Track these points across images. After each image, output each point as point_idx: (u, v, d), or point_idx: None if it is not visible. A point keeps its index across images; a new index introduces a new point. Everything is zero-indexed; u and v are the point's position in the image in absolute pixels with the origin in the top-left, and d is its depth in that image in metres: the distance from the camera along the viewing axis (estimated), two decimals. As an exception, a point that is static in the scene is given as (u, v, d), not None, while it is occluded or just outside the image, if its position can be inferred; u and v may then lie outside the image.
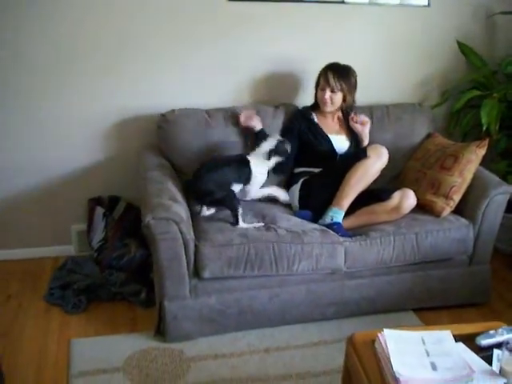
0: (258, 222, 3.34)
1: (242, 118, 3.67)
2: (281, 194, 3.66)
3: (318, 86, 3.74)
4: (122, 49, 3.75)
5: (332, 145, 3.72)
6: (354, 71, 3.71)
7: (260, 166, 3.52)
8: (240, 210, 3.29)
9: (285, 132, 3.76)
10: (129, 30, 3.73)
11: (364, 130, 3.73)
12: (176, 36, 3.80)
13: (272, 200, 3.68)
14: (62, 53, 3.68)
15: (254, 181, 3.52)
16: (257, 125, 3.65)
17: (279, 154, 3.53)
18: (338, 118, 3.85)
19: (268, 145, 3.52)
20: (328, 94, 3.65)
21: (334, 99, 3.67)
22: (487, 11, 4.26)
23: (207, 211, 3.41)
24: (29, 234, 4.04)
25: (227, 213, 3.35)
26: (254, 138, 3.64)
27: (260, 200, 3.67)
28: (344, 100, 3.70)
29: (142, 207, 3.11)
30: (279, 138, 3.57)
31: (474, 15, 4.25)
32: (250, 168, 3.47)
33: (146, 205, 3.03)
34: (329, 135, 3.74)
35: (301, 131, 3.73)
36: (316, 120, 3.77)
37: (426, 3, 4.14)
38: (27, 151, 3.84)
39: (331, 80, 3.63)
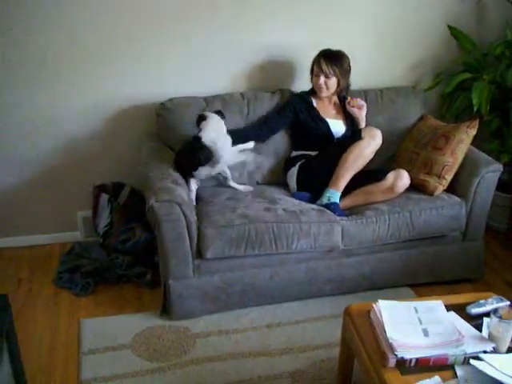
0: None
1: None
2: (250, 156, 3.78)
3: (313, 73, 3.82)
4: (122, 38, 3.81)
5: (329, 128, 3.81)
6: (346, 56, 3.79)
7: (211, 131, 3.50)
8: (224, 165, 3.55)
9: (279, 109, 3.86)
10: (127, 20, 3.79)
11: (361, 113, 3.83)
12: (174, 25, 3.86)
13: (271, 183, 3.80)
14: (62, 41, 3.74)
15: (219, 147, 3.50)
16: None
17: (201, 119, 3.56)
18: (335, 103, 3.94)
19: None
20: (322, 79, 3.75)
21: (328, 84, 3.76)
22: (477, -5, 4.35)
23: (195, 184, 3.52)
24: (36, 221, 4.14)
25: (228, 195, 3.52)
26: None
27: (258, 183, 3.83)
28: (338, 84, 3.79)
29: (145, 191, 3.22)
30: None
31: (464, -1, 4.35)
32: (201, 141, 3.45)
33: (150, 189, 3.15)
34: (326, 119, 3.84)
35: (299, 112, 3.81)
36: (314, 104, 3.87)
37: (417, -12, 4.22)
38: (31, 140, 3.93)
39: (324, 66, 3.72)
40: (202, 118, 3.55)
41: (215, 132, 3.50)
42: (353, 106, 3.82)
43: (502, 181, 3.70)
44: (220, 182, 3.74)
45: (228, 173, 3.65)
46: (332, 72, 3.73)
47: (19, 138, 3.91)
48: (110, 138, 4.04)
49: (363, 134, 3.55)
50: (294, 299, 3.49)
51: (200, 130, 3.49)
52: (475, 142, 3.70)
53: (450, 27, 4.28)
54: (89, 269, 3.68)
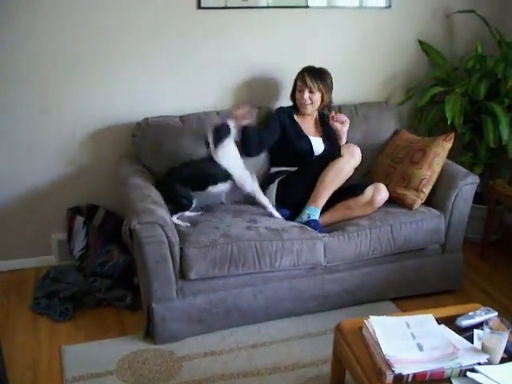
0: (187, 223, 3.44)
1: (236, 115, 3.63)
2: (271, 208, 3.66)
3: (296, 89, 3.84)
4: (95, 58, 3.79)
5: (311, 145, 3.82)
6: (328, 73, 3.83)
7: (226, 157, 3.53)
8: (183, 213, 3.47)
9: (269, 121, 3.86)
10: (102, 40, 3.77)
11: (343, 128, 3.84)
12: (149, 45, 3.86)
13: (250, 202, 3.76)
14: (34, 62, 3.71)
15: (234, 173, 3.55)
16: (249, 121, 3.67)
17: (223, 135, 3.52)
18: (315, 120, 3.96)
19: (210, 137, 3.54)
20: (307, 94, 3.76)
21: (313, 99, 3.78)
22: (446, 11, 4.41)
23: (176, 219, 3.44)
24: (9, 245, 4.05)
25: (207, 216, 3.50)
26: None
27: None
28: (322, 100, 3.81)
29: (126, 213, 3.18)
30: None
31: (433, 15, 4.40)
32: (219, 166, 3.51)
33: (131, 210, 3.10)
34: (309, 136, 3.85)
35: (284, 126, 3.82)
36: (297, 120, 3.88)
37: (387, 5, 4.27)
38: (2, 163, 3.86)
39: (308, 81, 3.74)
40: (218, 138, 3.52)
41: (232, 158, 3.55)
42: (336, 121, 3.82)
43: (476, 193, 3.74)
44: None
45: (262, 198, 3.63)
46: (316, 86, 3.75)
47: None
48: (84, 160, 4.00)
49: (342, 151, 3.56)
50: (278, 317, 3.46)
51: (216, 153, 3.51)
52: (448, 154, 3.74)
53: (420, 42, 4.35)
54: (67, 293, 3.61)
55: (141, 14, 3.80)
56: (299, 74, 3.82)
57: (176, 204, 3.42)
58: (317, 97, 3.79)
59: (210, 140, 3.53)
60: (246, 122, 3.61)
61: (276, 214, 3.56)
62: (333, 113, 3.85)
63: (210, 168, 3.51)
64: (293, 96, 3.91)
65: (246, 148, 3.72)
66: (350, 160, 3.55)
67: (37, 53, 3.69)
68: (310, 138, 3.85)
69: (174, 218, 3.36)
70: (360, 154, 3.60)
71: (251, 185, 3.59)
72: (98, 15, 3.73)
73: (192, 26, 3.90)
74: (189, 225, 3.38)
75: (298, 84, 3.83)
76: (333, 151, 3.70)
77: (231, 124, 3.53)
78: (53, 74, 3.76)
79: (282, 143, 3.83)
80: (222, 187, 3.57)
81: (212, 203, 3.73)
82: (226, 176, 3.53)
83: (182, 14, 3.86)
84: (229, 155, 3.54)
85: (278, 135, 3.82)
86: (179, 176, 3.47)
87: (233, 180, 3.56)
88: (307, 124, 3.91)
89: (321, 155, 3.81)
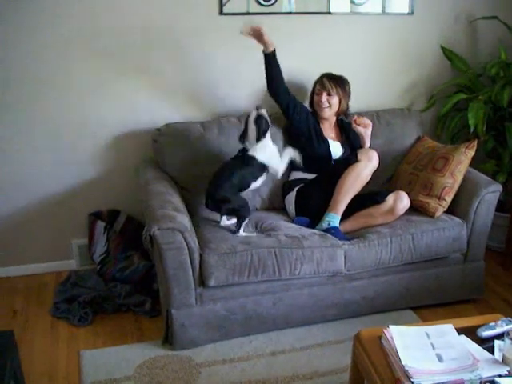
0: (253, 232, 3.45)
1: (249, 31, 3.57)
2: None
3: (314, 93, 3.84)
4: (118, 64, 3.82)
5: (329, 149, 3.80)
6: (347, 81, 3.83)
7: (262, 150, 3.52)
8: (246, 221, 3.41)
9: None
10: (122, 46, 3.79)
11: (366, 132, 3.81)
12: (170, 51, 3.87)
13: (270, 209, 3.80)
14: (58, 66, 3.74)
15: (272, 164, 3.56)
16: (267, 41, 3.57)
17: (265, 128, 3.49)
18: (333, 125, 3.94)
19: (252, 131, 3.49)
20: (325, 97, 3.76)
21: (331, 102, 3.78)
22: (469, 16, 4.37)
23: (227, 221, 3.50)
24: (30, 250, 4.08)
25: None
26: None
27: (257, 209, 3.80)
28: (339, 105, 3.81)
29: (146, 219, 3.17)
30: (254, 114, 3.51)
31: (456, 21, 4.37)
32: (256, 160, 3.49)
33: (151, 216, 3.10)
34: (328, 139, 3.84)
35: (307, 121, 3.80)
36: (320, 125, 3.87)
37: (410, 11, 4.25)
38: (25, 167, 3.89)
39: (327, 84, 3.75)
40: (261, 132, 3.49)
41: (269, 150, 3.54)
42: (359, 124, 3.80)
43: (498, 201, 3.69)
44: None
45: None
46: (334, 91, 3.75)
47: (14, 165, 3.87)
48: (105, 165, 4.02)
49: (360, 156, 3.55)
50: (297, 325, 3.45)
51: (254, 148, 3.50)
52: (471, 162, 3.70)
53: (443, 48, 4.31)
54: (86, 298, 3.62)
55: (163, 20, 3.82)
56: (318, 78, 3.83)
57: (239, 216, 3.41)
58: (335, 100, 3.78)
59: (252, 136, 3.50)
60: (270, 47, 3.58)
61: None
62: (355, 116, 3.82)
63: (249, 165, 3.49)
64: (311, 102, 3.91)
65: (270, 75, 3.67)
66: (368, 164, 3.53)
67: (63, 54, 3.72)
68: (329, 141, 3.84)
69: (242, 233, 3.38)
70: (377, 158, 3.58)
71: (282, 169, 3.63)
72: (124, 23, 3.76)
73: (214, 32, 3.91)
74: (255, 234, 3.40)
75: (316, 88, 3.83)
76: (350, 156, 3.69)
77: (265, 113, 3.50)
78: (84, 79, 3.81)
79: (303, 143, 3.79)
80: (260, 181, 3.57)
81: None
82: (262, 168, 3.53)
83: (204, 20, 3.87)
84: (266, 148, 3.53)
85: (295, 107, 3.77)
86: (230, 184, 3.44)
87: (267, 171, 3.57)
88: (326, 128, 3.89)
89: (338, 161, 3.80)
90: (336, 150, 3.84)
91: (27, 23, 3.60)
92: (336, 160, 3.83)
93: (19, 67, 3.68)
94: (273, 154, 3.56)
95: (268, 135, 3.52)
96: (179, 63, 3.92)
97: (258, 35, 3.53)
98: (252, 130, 3.48)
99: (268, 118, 3.50)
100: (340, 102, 3.81)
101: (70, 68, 3.76)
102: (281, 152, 3.66)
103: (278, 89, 3.71)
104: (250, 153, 3.49)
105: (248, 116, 3.52)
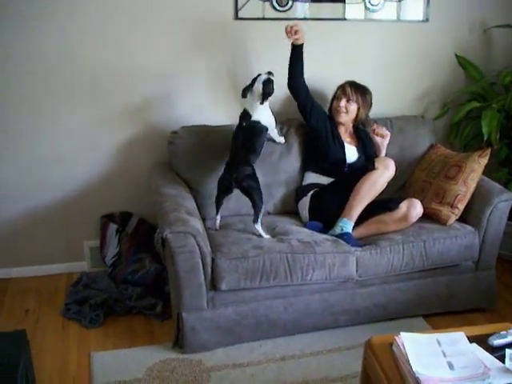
0: (267, 234, 3.44)
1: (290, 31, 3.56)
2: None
3: (334, 97, 3.86)
4: (134, 67, 3.85)
5: (344, 152, 3.81)
6: (370, 91, 3.86)
7: (265, 114, 3.61)
8: (262, 211, 3.42)
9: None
10: (138, 49, 3.83)
11: (383, 142, 3.83)
12: (186, 56, 3.91)
13: (282, 213, 3.82)
14: (72, 65, 3.77)
15: (272, 128, 3.69)
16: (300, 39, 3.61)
17: (270, 91, 3.56)
18: (350, 132, 3.94)
19: (257, 90, 3.56)
20: (343, 102, 3.78)
21: (348, 108, 3.79)
22: (483, 25, 4.38)
23: (261, 229, 3.44)
24: (42, 251, 4.10)
25: (240, 226, 3.48)
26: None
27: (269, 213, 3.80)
28: (357, 113, 3.82)
29: (158, 222, 3.18)
30: (264, 76, 3.58)
31: (470, 29, 4.38)
32: (261, 124, 3.56)
33: (164, 219, 3.11)
34: (344, 143, 3.84)
35: (325, 124, 3.82)
36: (338, 128, 3.88)
37: (424, 18, 4.26)
38: (39, 169, 3.91)
39: (348, 89, 3.78)
40: (266, 94, 3.55)
41: (268, 116, 3.64)
42: (377, 134, 3.81)
43: (510, 209, 3.68)
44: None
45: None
46: (354, 97, 3.77)
47: (27, 167, 3.90)
48: (118, 168, 4.04)
49: (377, 164, 3.55)
50: (307, 330, 3.44)
51: (257, 109, 3.56)
52: (484, 170, 3.70)
53: (457, 56, 4.32)
54: (98, 300, 3.63)
55: (179, 26, 3.84)
56: (341, 84, 3.86)
57: (256, 202, 3.42)
58: (353, 107, 3.80)
59: (256, 95, 3.56)
60: (300, 40, 3.60)
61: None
62: (374, 125, 3.83)
63: (256, 130, 3.56)
64: (330, 108, 3.92)
65: (294, 68, 3.70)
66: (385, 172, 3.53)
67: (82, 63, 3.78)
68: (345, 144, 3.84)
69: (259, 228, 3.40)
70: (394, 167, 3.58)
71: (280, 139, 3.79)
72: (142, 30, 3.81)
73: (229, 37, 3.93)
74: (270, 237, 3.41)
75: (337, 93, 3.85)
76: (367, 164, 3.70)
77: (273, 79, 3.57)
78: (102, 80, 3.85)
79: (318, 147, 3.81)
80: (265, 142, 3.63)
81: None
82: (265, 130, 3.60)
83: (219, 25, 3.89)
84: (267, 112, 3.62)
85: (313, 109, 3.79)
86: (254, 157, 3.52)
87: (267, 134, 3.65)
88: (342, 132, 3.90)
89: (355, 168, 3.80)
90: (351, 154, 3.84)
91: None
92: (351, 166, 3.83)
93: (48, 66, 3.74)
94: (272, 120, 3.66)
95: (267, 104, 3.60)
96: (194, 70, 3.95)
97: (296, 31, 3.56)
98: (257, 89, 3.55)
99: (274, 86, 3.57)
100: (358, 110, 3.81)
101: (85, 71, 3.80)
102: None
103: (298, 84, 3.73)
104: (254, 118, 3.55)
105: (258, 75, 3.59)
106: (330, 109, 3.91)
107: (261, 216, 3.41)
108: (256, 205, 3.40)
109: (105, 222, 3.98)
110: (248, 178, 3.40)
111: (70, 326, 3.54)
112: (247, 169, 3.42)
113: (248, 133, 3.54)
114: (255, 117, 3.54)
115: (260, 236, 3.39)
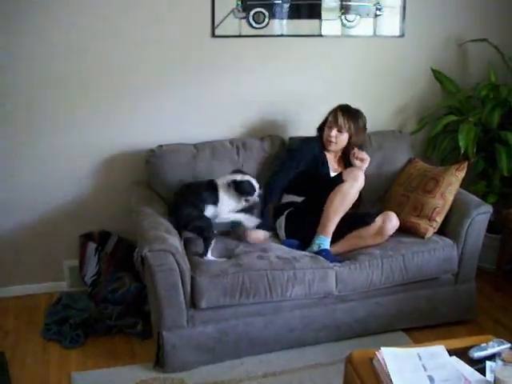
0: (223, 258, 3.40)
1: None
2: (249, 221, 3.65)
3: (325, 124, 3.81)
4: (109, 86, 3.84)
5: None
6: (363, 115, 3.82)
7: (228, 194, 3.56)
8: (212, 244, 3.38)
9: (290, 159, 3.81)
10: (116, 68, 3.82)
11: (362, 166, 3.78)
12: (163, 73, 3.91)
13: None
14: (48, 91, 3.76)
15: (222, 202, 3.56)
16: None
17: (239, 191, 3.54)
18: (339, 157, 3.93)
19: (231, 177, 3.57)
20: (334, 132, 3.74)
21: (338, 139, 3.75)
22: (458, 39, 4.43)
23: (212, 257, 3.40)
24: (21, 271, 4.05)
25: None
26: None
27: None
28: (349, 141, 3.78)
29: (138, 240, 3.18)
30: (254, 183, 3.59)
31: (446, 43, 4.42)
32: (217, 190, 3.53)
33: (143, 237, 3.10)
34: (330, 172, 3.83)
35: (311, 157, 3.79)
36: (327, 154, 3.85)
37: (400, 33, 4.30)
38: (16, 189, 3.88)
39: (340, 119, 3.71)
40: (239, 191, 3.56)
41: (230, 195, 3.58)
42: (356, 158, 3.79)
43: (489, 221, 3.71)
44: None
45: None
46: (347, 127, 3.72)
47: (4, 187, 3.87)
48: (97, 186, 4.02)
49: (344, 177, 3.57)
50: (289, 347, 3.43)
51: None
52: (461, 183, 3.73)
53: (433, 71, 4.36)
54: (78, 320, 3.60)
55: (155, 43, 3.85)
56: (333, 110, 3.79)
57: (205, 237, 3.39)
58: (343, 137, 3.76)
59: (233, 180, 3.55)
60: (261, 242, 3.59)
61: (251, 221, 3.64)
62: (355, 149, 3.81)
63: (209, 190, 3.55)
64: (321, 130, 3.87)
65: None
66: (354, 184, 3.54)
67: (54, 78, 3.75)
68: (331, 173, 3.83)
69: (210, 257, 3.36)
70: (363, 177, 3.59)
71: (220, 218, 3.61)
72: (115, 47, 3.80)
73: (206, 55, 3.94)
74: (225, 259, 3.37)
75: (328, 119, 3.80)
76: (335, 178, 3.69)
77: (255, 198, 3.60)
78: (75, 102, 3.83)
79: (304, 173, 3.79)
80: (210, 210, 3.54)
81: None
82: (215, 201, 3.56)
83: (196, 42, 3.90)
84: (229, 196, 3.57)
85: (300, 170, 3.78)
86: (189, 202, 3.47)
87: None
88: (331, 160, 3.88)
89: (323, 184, 3.73)
90: None
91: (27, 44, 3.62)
92: (321, 184, 3.78)
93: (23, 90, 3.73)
94: (227, 201, 3.58)
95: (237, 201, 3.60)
96: (171, 87, 3.94)
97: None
98: (231, 177, 3.58)
99: (252, 192, 3.57)
100: (350, 138, 3.77)
101: (59, 92, 3.79)
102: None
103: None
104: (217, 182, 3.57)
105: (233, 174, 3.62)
106: (321, 133, 3.87)
107: (210, 249, 3.37)
108: (204, 241, 3.39)
109: (84, 241, 3.96)
110: (189, 222, 3.41)
111: (51, 347, 3.51)
112: (191, 212, 3.43)
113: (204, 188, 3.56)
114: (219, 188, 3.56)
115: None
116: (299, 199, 3.78)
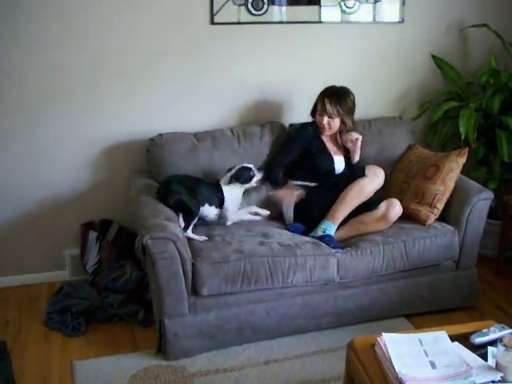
0: (203, 236, 3.44)
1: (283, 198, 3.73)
2: (260, 211, 3.74)
3: (316, 109, 3.81)
4: (108, 74, 3.83)
5: (333, 164, 3.81)
6: (350, 93, 3.80)
7: (232, 191, 3.62)
8: (194, 221, 3.43)
9: (289, 143, 3.84)
10: (114, 56, 3.81)
11: (353, 147, 3.80)
12: (162, 60, 3.89)
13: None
14: (46, 80, 3.75)
15: (229, 205, 3.62)
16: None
17: (239, 180, 3.61)
18: (336, 140, 3.92)
19: (228, 174, 3.64)
20: (326, 119, 3.74)
21: (331, 124, 3.76)
22: (459, 25, 4.41)
23: (192, 234, 3.43)
24: (22, 260, 4.06)
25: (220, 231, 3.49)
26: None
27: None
28: (342, 123, 3.79)
29: (138, 229, 3.17)
30: (246, 165, 3.65)
31: (446, 29, 4.41)
32: (222, 192, 3.59)
33: (143, 226, 3.10)
34: (332, 154, 3.83)
35: (308, 143, 3.79)
36: (324, 138, 3.86)
37: (400, 19, 4.28)
38: (17, 178, 3.89)
39: (328, 106, 3.70)
40: (239, 179, 3.64)
41: (235, 200, 3.67)
42: (350, 141, 3.80)
43: (490, 208, 3.71)
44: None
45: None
46: (336, 112, 3.72)
47: (5, 176, 3.87)
48: (97, 175, 4.02)
49: (367, 172, 3.60)
50: (290, 334, 3.44)
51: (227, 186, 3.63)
52: (462, 169, 3.73)
53: (434, 57, 4.35)
54: (79, 309, 3.61)
55: (154, 31, 3.83)
56: (319, 97, 3.79)
57: (186, 213, 3.42)
58: (336, 122, 3.76)
59: (230, 175, 3.62)
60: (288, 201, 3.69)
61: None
62: (345, 135, 3.82)
63: (212, 190, 3.59)
64: (313, 114, 3.87)
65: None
66: (374, 181, 3.60)
67: (55, 66, 3.74)
68: (333, 156, 3.83)
69: (189, 233, 3.37)
70: (383, 176, 3.65)
71: (234, 219, 3.68)
72: (113, 34, 3.78)
73: (205, 42, 3.92)
74: (206, 238, 3.39)
75: (318, 107, 3.80)
76: (357, 170, 3.72)
77: (256, 175, 3.66)
78: (75, 90, 3.82)
79: (304, 159, 3.80)
80: (213, 211, 3.60)
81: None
82: (220, 202, 3.61)
83: (195, 29, 3.89)
84: (233, 196, 3.63)
85: (299, 153, 3.80)
86: (184, 184, 3.49)
87: (221, 210, 3.63)
88: (330, 142, 3.88)
89: (344, 174, 3.80)
90: (339, 164, 3.84)
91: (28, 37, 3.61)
92: (338, 175, 3.83)
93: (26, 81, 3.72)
94: (234, 202, 3.65)
95: (240, 191, 3.68)
96: (170, 75, 3.93)
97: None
98: (234, 172, 3.63)
99: (253, 177, 3.64)
100: (342, 121, 3.78)
101: (63, 81, 3.78)
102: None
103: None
104: (223, 189, 3.61)
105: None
106: (314, 112, 3.86)
107: (191, 225, 3.42)
108: (186, 216, 3.42)
109: (85, 229, 3.96)
110: (179, 195, 3.44)
111: (53, 335, 3.52)
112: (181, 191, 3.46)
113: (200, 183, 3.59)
114: (222, 185, 3.63)
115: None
116: (311, 184, 3.78)
